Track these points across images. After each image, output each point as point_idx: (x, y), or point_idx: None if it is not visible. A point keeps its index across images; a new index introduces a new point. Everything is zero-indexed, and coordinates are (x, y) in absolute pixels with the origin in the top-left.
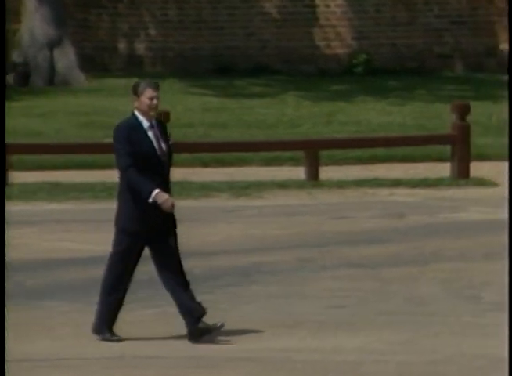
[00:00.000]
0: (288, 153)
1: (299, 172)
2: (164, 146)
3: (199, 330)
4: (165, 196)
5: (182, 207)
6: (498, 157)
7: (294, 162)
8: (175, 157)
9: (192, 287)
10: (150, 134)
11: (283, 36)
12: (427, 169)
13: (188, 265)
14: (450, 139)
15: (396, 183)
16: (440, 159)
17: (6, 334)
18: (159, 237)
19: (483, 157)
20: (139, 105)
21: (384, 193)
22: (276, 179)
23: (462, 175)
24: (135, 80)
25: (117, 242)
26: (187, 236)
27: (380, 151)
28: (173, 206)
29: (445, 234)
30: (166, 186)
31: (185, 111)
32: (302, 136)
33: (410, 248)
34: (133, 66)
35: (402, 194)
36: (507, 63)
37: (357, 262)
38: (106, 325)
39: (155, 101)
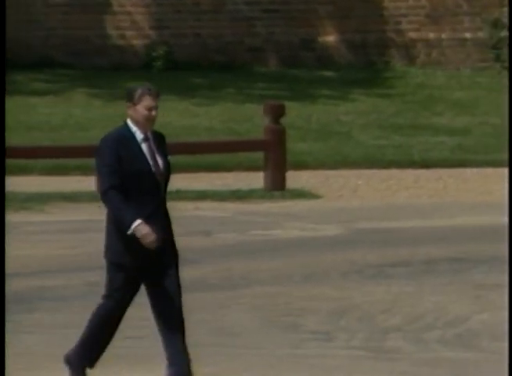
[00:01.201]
0: (75, 161)
1: (90, 182)
2: (160, 162)
3: None
4: (145, 229)
5: None
6: (318, 166)
7: (82, 171)
8: None
9: None
10: (144, 148)
11: (70, 24)
12: (236, 179)
13: None
14: (263, 145)
15: (202, 196)
16: (252, 168)
17: None
18: (154, 274)
19: (301, 166)
20: (134, 114)
21: (187, 207)
22: (62, 191)
23: (277, 186)
24: None
25: (109, 279)
26: None
27: (183, 159)
28: (155, 241)
29: (258, 254)
30: (161, 212)
31: None
32: (92, 141)
33: (217, 271)
34: None
35: (208, 208)
36: (326, 57)
37: None
38: (80, 362)
39: (154, 112)
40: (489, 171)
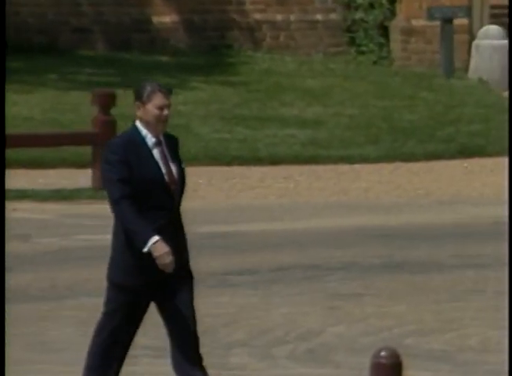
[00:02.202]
0: None
1: None
2: (174, 169)
3: None
4: (164, 248)
5: None
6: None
7: None
8: None
9: None
10: (156, 153)
11: None
12: (61, 177)
13: None
14: (91, 139)
15: (20, 195)
16: (78, 164)
17: None
18: (165, 294)
19: None
20: (144, 115)
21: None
22: None
23: None
24: None
25: (109, 299)
26: None
27: None
28: (172, 263)
29: (85, 261)
30: (175, 226)
31: None
32: None
33: (39, 280)
34: None
35: (27, 209)
36: (161, 40)
37: None
38: None
39: (166, 111)
40: (345, 168)
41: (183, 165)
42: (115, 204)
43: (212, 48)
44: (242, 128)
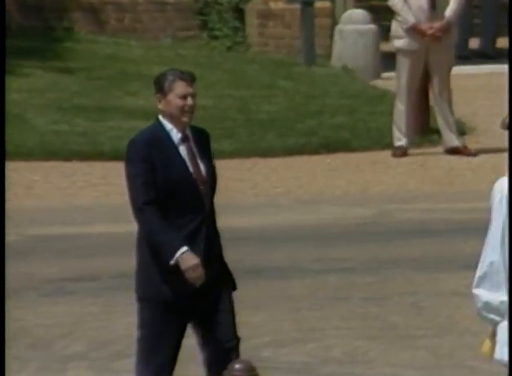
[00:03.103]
0: None
1: None
2: (203, 168)
3: None
4: (193, 260)
5: None
6: None
7: None
8: None
9: None
10: (183, 150)
11: None
12: None
13: None
14: None
15: None
16: None
17: None
18: (201, 313)
19: None
20: (166, 107)
21: None
22: None
23: None
24: None
25: (141, 317)
26: None
27: None
28: (202, 277)
29: None
30: (207, 231)
31: None
32: None
33: None
34: None
35: None
36: None
37: None
38: None
39: (190, 101)
40: None
41: (213, 162)
42: (138, 211)
43: (49, 30)
44: (82, 119)
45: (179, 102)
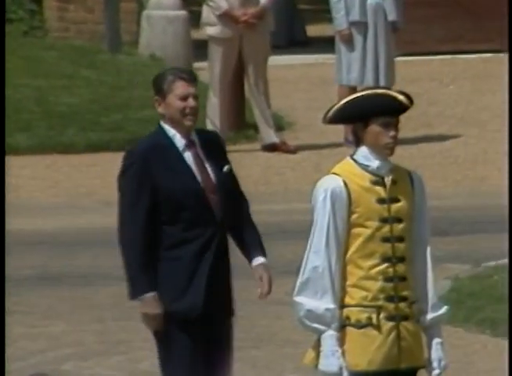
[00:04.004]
0: None
1: None
2: (213, 175)
3: None
4: (154, 309)
5: None
6: None
7: None
8: None
9: None
10: (188, 157)
11: None
12: None
13: None
14: None
15: None
16: None
17: None
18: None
19: None
20: (166, 110)
21: None
22: None
23: None
24: None
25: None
26: None
27: None
28: (157, 325)
29: None
30: (218, 247)
31: None
32: None
33: None
34: None
35: None
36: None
37: None
38: None
39: (192, 102)
40: None
41: (227, 168)
42: (119, 227)
43: None
44: None
45: (180, 104)
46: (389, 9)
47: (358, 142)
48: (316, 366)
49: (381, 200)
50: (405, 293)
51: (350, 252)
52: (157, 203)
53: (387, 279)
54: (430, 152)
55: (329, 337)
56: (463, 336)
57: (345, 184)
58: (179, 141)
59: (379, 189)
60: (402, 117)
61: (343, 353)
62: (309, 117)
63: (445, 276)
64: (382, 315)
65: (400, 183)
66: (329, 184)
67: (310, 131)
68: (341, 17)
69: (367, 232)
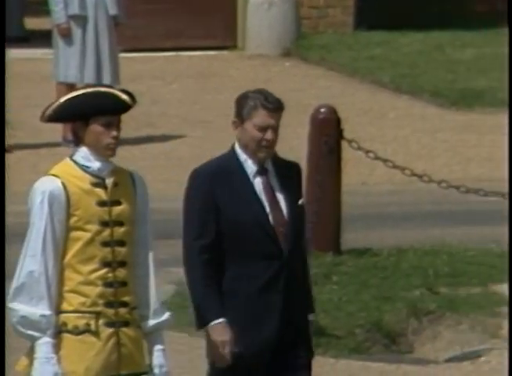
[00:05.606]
0: None
1: None
2: (285, 207)
3: None
4: (223, 335)
5: None
6: None
7: None
8: None
9: None
10: (258, 185)
11: None
12: None
13: None
14: None
15: None
16: None
17: None
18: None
19: None
20: (242, 135)
21: None
22: None
23: None
24: None
25: None
26: None
27: None
28: (225, 357)
29: None
30: (286, 282)
31: None
32: None
33: None
34: None
35: None
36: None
37: None
38: None
39: (270, 135)
40: None
41: (302, 202)
42: (184, 251)
43: None
44: None
45: (257, 134)
46: (110, 2)
47: (78, 142)
48: (29, 373)
49: (102, 203)
50: (125, 298)
51: (68, 257)
52: (219, 229)
53: (107, 284)
54: (153, 153)
55: (45, 344)
56: (188, 341)
57: (64, 186)
58: (250, 167)
59: (99, 191)
60: (124, 117)
61: (59, 360)
62: (26, 114)
63: (169, 281)
64: (101, 321)
65: (122, 185)
66: (46, 186)
67: (27, 130)
68: (60, 10)
69: (87, 236)
